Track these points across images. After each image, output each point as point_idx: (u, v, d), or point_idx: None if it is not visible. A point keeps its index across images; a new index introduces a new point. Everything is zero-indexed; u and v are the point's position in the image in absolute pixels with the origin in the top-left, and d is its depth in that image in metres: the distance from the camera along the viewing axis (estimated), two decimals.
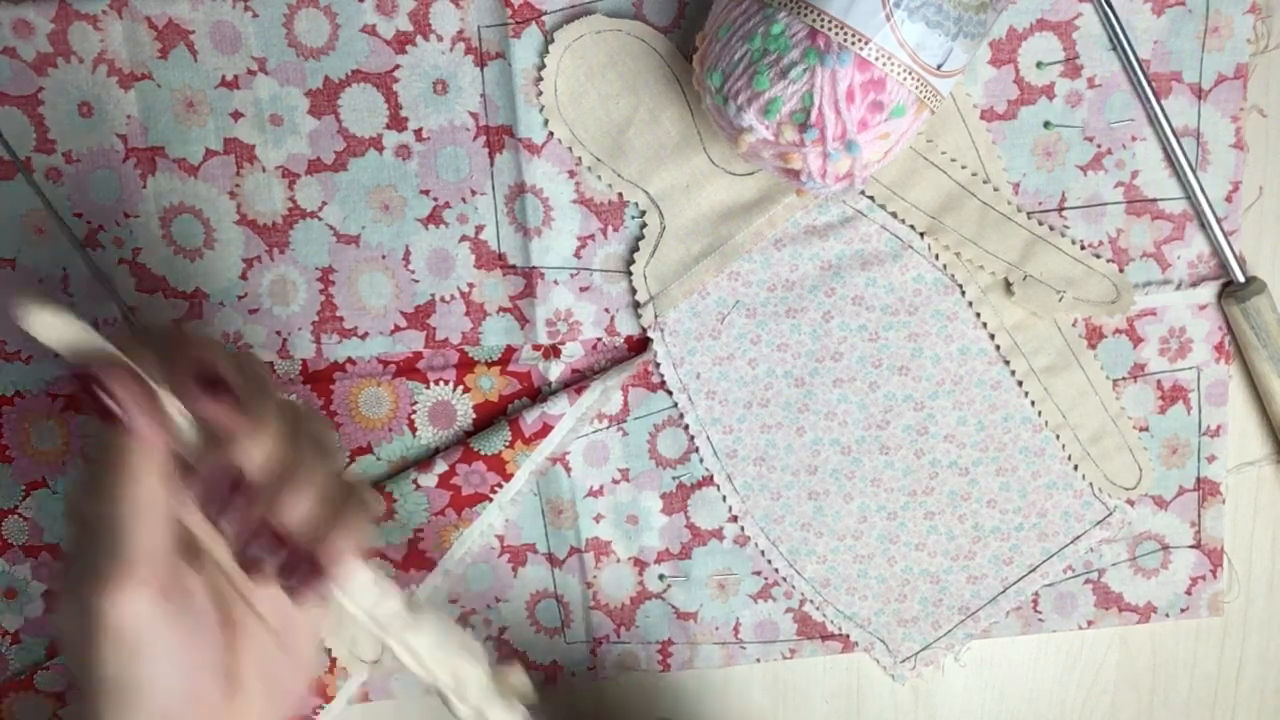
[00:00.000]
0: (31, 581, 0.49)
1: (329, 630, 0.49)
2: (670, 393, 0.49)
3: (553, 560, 0.50)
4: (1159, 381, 0.50)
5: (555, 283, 0.48)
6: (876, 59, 0.37)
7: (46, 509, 0.48)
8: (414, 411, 0.48)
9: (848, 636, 0.52)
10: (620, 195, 0.47)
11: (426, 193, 0.47)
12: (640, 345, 0.49)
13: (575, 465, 0.49)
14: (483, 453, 0.48)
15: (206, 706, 0.32)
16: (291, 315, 0.47)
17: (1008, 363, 0.49)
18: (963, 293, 0.48)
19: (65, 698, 0.49)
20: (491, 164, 0.46)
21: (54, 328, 0.31)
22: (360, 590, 0.34)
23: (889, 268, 0.48)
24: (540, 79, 0.45)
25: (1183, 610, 0.52)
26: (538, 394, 0.49)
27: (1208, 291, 0.49)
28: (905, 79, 0.38)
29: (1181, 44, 0.46)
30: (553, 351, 0.48)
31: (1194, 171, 0.47)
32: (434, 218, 0.47)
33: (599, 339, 0.48)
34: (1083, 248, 0.48)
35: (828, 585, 0.51)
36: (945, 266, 0.48)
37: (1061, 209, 0.48)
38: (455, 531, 0.49)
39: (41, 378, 0.47)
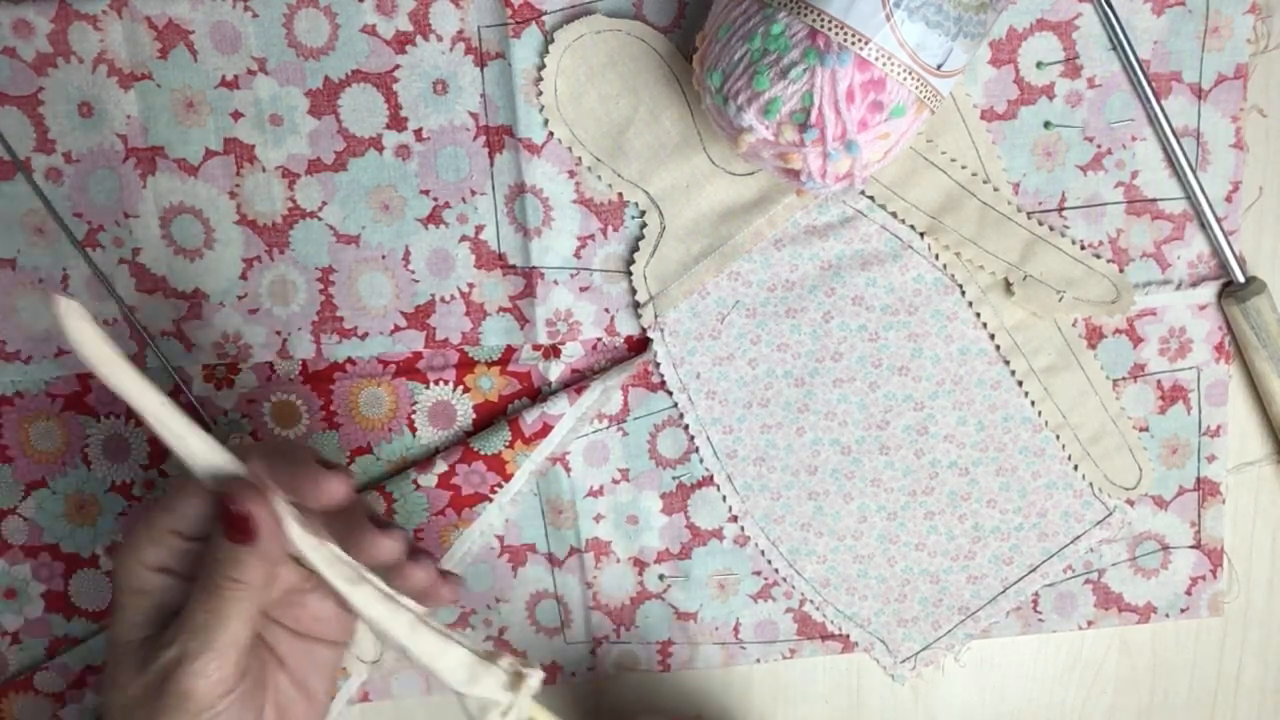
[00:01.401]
0: (31, 582, 0.49)
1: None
2: (670, 393, 0.49)
3: (553, 560, 0.50)
4: (1159, 381, 0.50)
5: (555, 283, 0.48)
6: (876, 59, 0.37)
7: (46, 509, 0.48)
8: (414, 411, 0.48)
9: (848, 636, 0.52)
10: (620, 195, 0.47)
11: (426, 193, 0.47)
12: (640, 345, 0.49)
13: (575, 465, 0.49)
14: (483, 453, 0.48)
15: None
16: (291, 315, 0.47)
17: (1008, 363, 0.49)
18: (963, 293, 0.48)
19: (65, 698, 0.49)
20: (491, 164, 0.46)
21: (191, 451, 0.35)
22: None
23: (889, 268, 0.48)
24: (540, 79, 0.45)
25: (1183, 610, 0.52)
26: (538, 394, 0.49)
27: (1208, 291, 0.49)
28: (905, 79, 0.38)
29: (1181, 44, 0.46)
30: (553, 351, 0.48)
31: (1194, 171, 0.47)
32: (434, 218, 0.47)
33: (599, 339, 0.48)
34: (1083, 248, 0.48)
35: (828, 585, 0.51)
36: (945, 266, 0.48)
37: (1061, 209, 0.48)
38: (455, 531, 0.49)
39: (41, 378, 0.47)
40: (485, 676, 0.38)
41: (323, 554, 0.37)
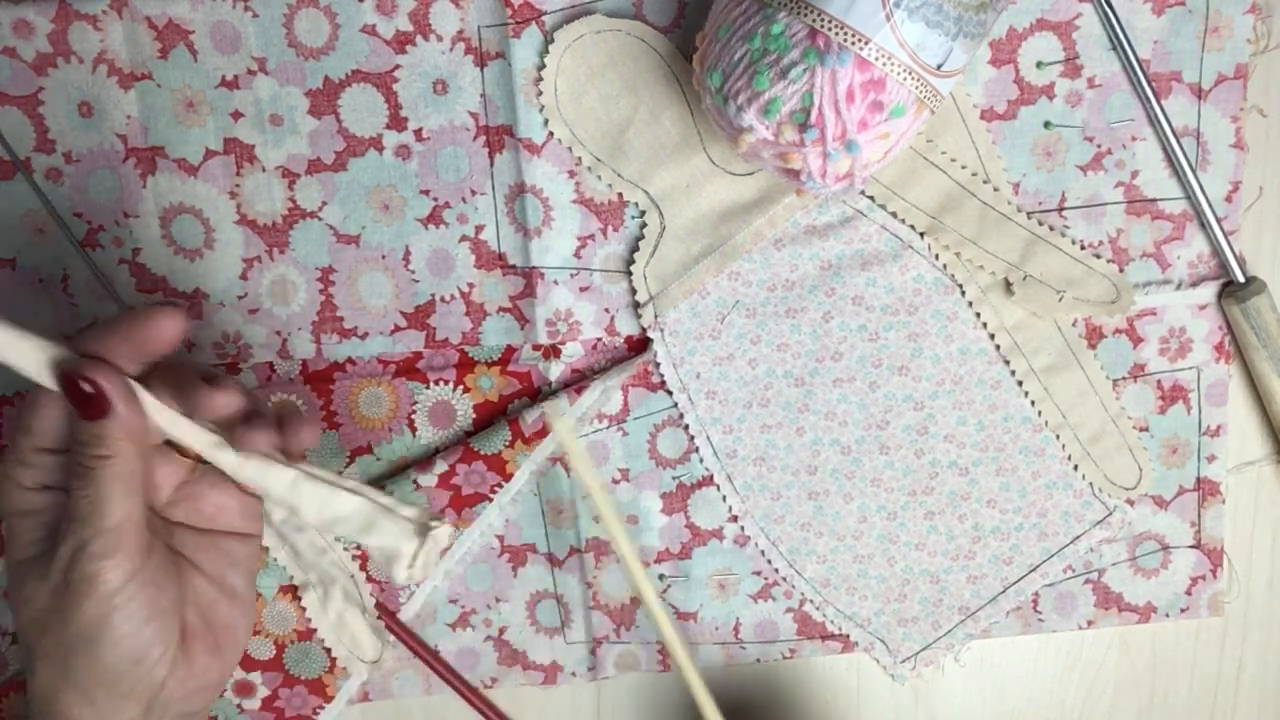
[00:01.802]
0: None
1: (329, 631, 0.49)
2: (670, 393, 0.49)
3: (553, 560, 0.50)
4: (1159, 381, 0.50)
5: (555, 283, 0.48)
6: (876, 59, 0.37)
7: None
8: (414, 411, 0.48)
9: (848, 636, 0.52)
10: (620, 195, 0.47)
11: (426, 193, 0.47)
12: (640, 345, 0.49)
13: None
14: (483, 453, 0.48)
15: (162, 649, 0.36)
16: (291, 315, 0.47)
17: (1008, 363, 0.49)
18: (963, 293, 0.48)
19: None
20: (491, 164, 0.46)
21: (20, 352, 0.34)
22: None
23: (889, 268, 0.48)
24: (540, 79, 0.45)
25: (1183, 610, 0.52)
26: (538, 394, 0.49)
27: (1208, 291, 0.49)
28: (905, 79, 0.38)
29: (1181, 44, 0.46)
30: (553, 351, 0.48)
31: (1194, 171, 0.47)
32: (434, 218, 0.47)
33: (599, 339, 0.48)
34: (1083, 248, 0.48)
35: (828, 585, 0.51)
36: (945, 266, 0.48)
37: (1061, 209, 0.48)
38: (455, 532, 0.49)
39: None
40: (385, 524, 0.36)
41: (181, 424, 0.36)
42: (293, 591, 0.49)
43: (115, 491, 0.35)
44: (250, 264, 0.47)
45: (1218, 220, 0.47)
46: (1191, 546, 0.51)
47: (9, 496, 0.36)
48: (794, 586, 0.51)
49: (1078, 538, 0.51)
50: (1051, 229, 0.48)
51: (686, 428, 0.49)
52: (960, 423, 0.49)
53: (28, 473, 0.36)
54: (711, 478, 0.50)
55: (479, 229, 0.47)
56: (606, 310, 0.48)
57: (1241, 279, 0.48)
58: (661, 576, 0.51)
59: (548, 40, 0.45)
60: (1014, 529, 0.50)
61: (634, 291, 0.48)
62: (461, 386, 0.48)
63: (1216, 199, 0.48)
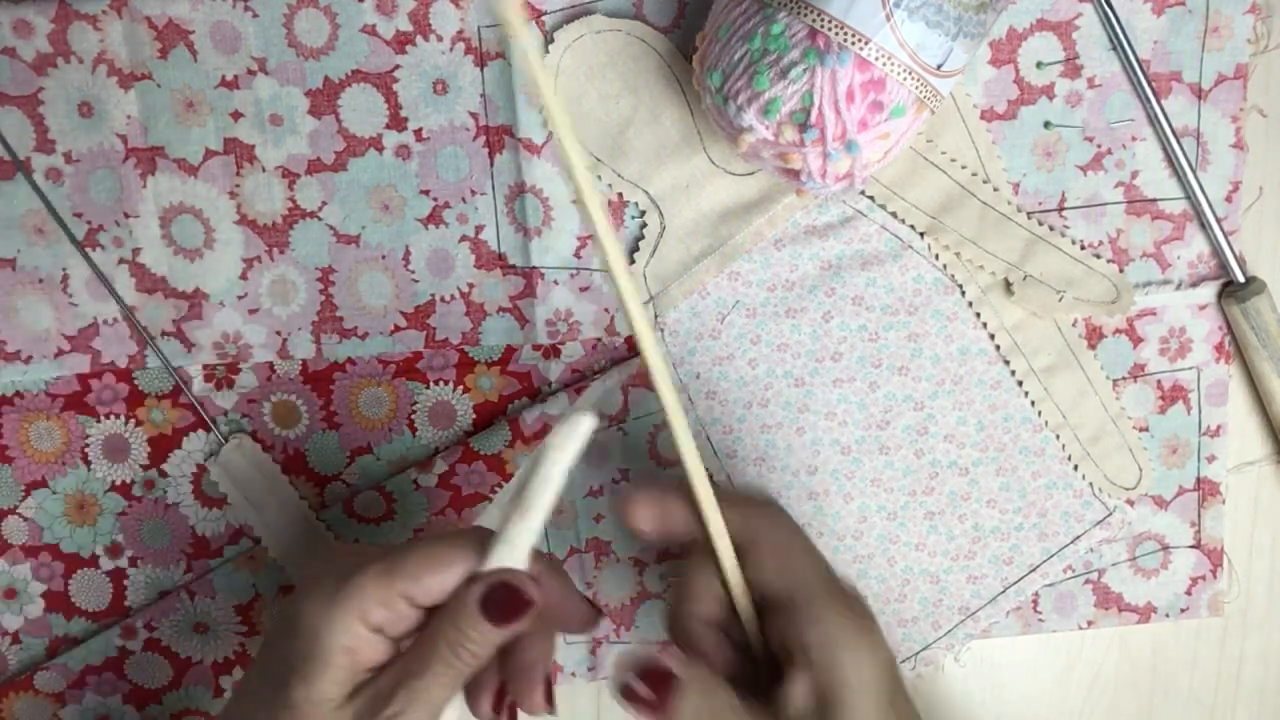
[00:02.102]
0: (31, 582, 0.49)
1: None
2: None
3: (553, 560, 0.50)
4: (1159, 381, 0.50)
5: (555, 283, 0.48)
6: (876, 59, 0.37)
7: (46, 509, 0.48)
8: (414, 411, 0.48)
9: None
10: (620, 195, 0.47)
11: (426, 193, 0.47)
12: None
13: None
14: (483, 453, 0.48)
15: None
16: (291, 315, 0.47)
17: (1008, 363, 0.49)
18: (963, 293, 0.48)
19: (64, 698, 0.49)
20: (491, 164, 0.46)
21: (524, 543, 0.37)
22: None
23: (889, 268, 0.48)
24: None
25: (1183, 610, 0.52)
26: (538, 394, 0.49)
27: (1208, 291, 0.49)
28: (905, 79, 0.38)
29: (1181, 44, 0.46)
30: (553, 351, 0.48)
31: (1194, 171, 0.47)
32: (434, 218, 0.47)
33: (599, 339, 0.48)
34: (1083, 248, 0.48)
35: None
36: (945, 266, 0.48)
37: (1061, 209, 0.48)
38: None
39: (41, 378, 0.47)
40: None
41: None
42: (291, 590, 0.49)
43: (459, 685, 0.36)
44: (250, 264, 0.47)
45: (1218, 220, 0.47)
46: (1191, 546, 0.51)
47: (347, 630, 0.35)
48: None
49: (1078, 538, 0.51)
50: (1051, 229, 0.48)
51: None
52: (960, 423, 0.49)
53: (382, 613, 0.35)
54: (711, 477, 0.50)
55: (479, 229, 0.47)
56: (606, 310, 0.48)
57: (1241, 279, 0.48)
58: (661, 576, 0.51)
59: (548, 40, 0.45)
60: (1014, 529, 0.50)
61: None
62: (461, 386, 0.48)
63: (1216, 199, 0.48)
